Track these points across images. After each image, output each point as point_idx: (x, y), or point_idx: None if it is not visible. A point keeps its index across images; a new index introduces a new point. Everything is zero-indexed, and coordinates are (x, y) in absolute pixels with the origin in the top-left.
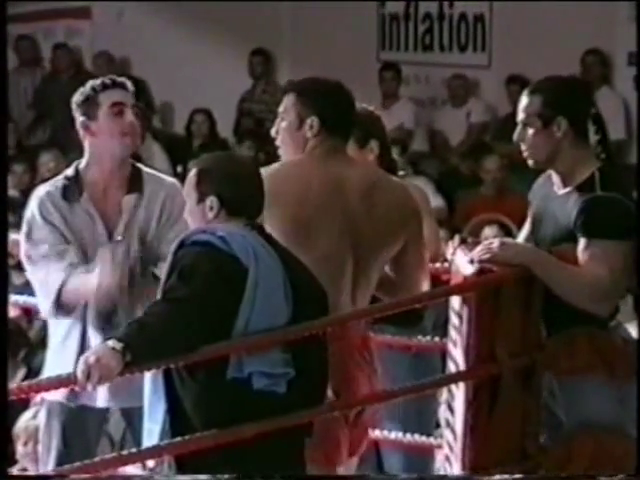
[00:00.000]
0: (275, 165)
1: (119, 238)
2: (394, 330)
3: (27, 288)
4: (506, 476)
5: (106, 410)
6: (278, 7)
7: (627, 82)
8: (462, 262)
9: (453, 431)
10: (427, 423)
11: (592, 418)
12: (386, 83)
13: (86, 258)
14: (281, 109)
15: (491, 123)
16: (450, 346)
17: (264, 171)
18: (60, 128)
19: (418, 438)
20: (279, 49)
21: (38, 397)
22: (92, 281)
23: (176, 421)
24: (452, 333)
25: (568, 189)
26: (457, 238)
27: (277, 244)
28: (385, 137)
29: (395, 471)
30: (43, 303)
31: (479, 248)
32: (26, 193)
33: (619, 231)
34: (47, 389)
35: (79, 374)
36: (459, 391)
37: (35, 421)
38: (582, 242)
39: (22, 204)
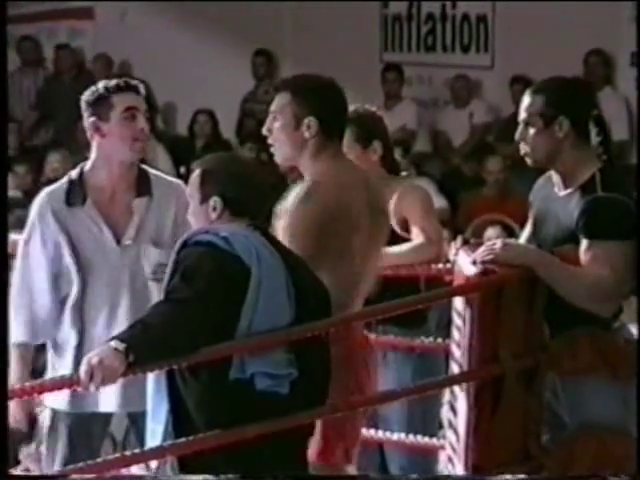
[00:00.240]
0: (316, 181)
1: (128, 242)
2: (398, 331)
3: None
4: (509, 477)
5: (110, 413)
6: (280, 8)
7: (630, 82)
8: (465, 263)
9: (456, 432)
10: (430, 424)
11: (595, 419)
12: (389, 84)
13: (81, 267)
14: (274, 108)
15: (494, 124)
16: (453, 347)
17: (317, 196)
18: (63, 129)
19: (421, 439)
20: (281, 50)
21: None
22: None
23: (179, 421)
24: (455, 334)
25: (569, 190)
26: (460, 239)
27: (279, 245)
28: (388, 138)
29: (398, 472)
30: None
31: (482, 249)
32: (29, 193)
33: (621, 232)
34: (50, 390)
35: (82, 375)
36: (462, 392)
37: None
38: (584, 243)
39: (24, 204)
